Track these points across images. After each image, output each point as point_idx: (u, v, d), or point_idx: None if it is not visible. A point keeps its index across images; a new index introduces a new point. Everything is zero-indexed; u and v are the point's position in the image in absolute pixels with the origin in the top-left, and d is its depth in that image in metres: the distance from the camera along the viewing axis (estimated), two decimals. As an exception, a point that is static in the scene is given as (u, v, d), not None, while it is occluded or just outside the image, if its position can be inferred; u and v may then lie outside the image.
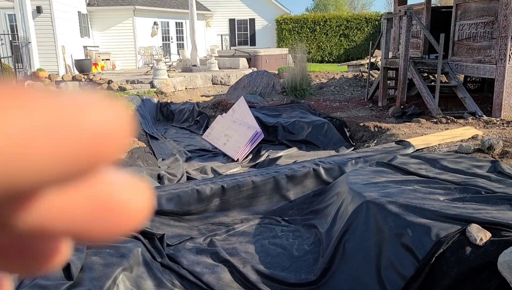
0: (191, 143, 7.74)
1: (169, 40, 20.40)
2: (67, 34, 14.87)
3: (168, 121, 9.97)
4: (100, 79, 12.78)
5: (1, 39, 12.03)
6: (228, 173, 5.52)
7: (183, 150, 6.91)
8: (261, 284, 3.05)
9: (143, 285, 2.77)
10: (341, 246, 3.17)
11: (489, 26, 6.91)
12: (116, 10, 18.00)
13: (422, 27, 7.90)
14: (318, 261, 3.30)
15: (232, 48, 22.29)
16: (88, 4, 17.84)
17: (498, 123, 6.12)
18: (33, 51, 13.18)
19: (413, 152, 4.93)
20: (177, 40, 20.88)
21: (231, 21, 24.00)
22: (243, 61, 16.89)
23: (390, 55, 9.48)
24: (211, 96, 12.75)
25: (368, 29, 22.81)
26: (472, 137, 5.29)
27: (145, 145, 6.45)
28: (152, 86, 12.44)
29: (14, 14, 13.07)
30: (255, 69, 15.78)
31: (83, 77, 12.97)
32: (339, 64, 18.85)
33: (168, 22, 20.20)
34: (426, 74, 9.89)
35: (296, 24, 23.29)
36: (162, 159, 6.32)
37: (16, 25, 13.20)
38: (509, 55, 6.42)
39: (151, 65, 15.66)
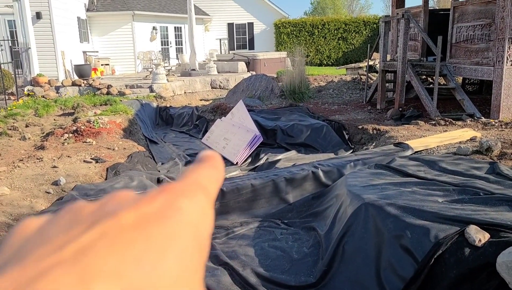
0: (190, 147, 7.75)
1: (168, 45, 20.45)
2: (66, 40, 14.91)
3: (167, 125, 9.98)
4: (99, 84, 12.79)
5: (1, 45, 12.06)
6: (227, 177, 5.53)
7: (183, 154, 6.91)
8: (261, 287, 3.05)
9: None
10: (340, 248, 3.18)
11: (487, 28, 6.94)
12: (115, 15, 18.06)
13: (419, 29, 7.93)
14: (318, 264, 3.30)
15: (230, 52, 22.35)
16: (88, 10, 17.89)
17: (497, 124, 6.13)
18: (32, 57, 13.21)
19: (411, 154, 4.94)
20: (176, 45, 20.93)
21: (230, 25, 24.06)
22: (241, 65, 16.92)
23: (388, 57, 9.51)
24: (210, 100, 12.77)
25: (366, 32, 22.88)
26: (471, 139, 5.30)
27: (144, 150, 6.45)
28: (151, 90, 12.46)
29: (14, 20, 13.11)
30: (253, 73, 15.83)
31: (83, 82, 12.99)
32: (338, 67, 18.90)
33: (167, 27, 20.26)
34: (424, 77, 9.93)
35: (295, 28, 23.36)
36: (162, 163, 6.33)
37: (16, 31, 13.24)
38: (507, 57, 6.45)
39: (150, 69, 15.69)
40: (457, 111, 7.35)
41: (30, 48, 13.09)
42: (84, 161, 5.18)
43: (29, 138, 6.85)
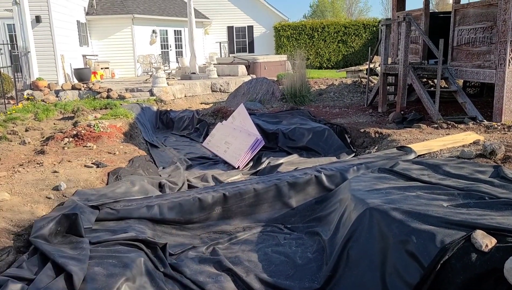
0: (191, 151, 7.72)
1: (168, 48, 20.45)
2: (66, 43, 14.90)
3: (168, 129, 9.96)
4: (99, 87, 12.78)
5: (0, 49, 12.04)
6: (229, 181, 5.50)
7: (184, 158, 6.88)
8: (265, 293, 3.02)
9: (146, 295, 2.74)
10: (345, 254, 3.14)
11: (488, 31, 6.93)
12: (114, 18, 18.07)
13: (421, 32, 7.92)
14: (322, 269, 3.27)
15: (231, 55, 22.36)
16: (87, 13, 17.90)
17: (499, 128, 6.11)
18: (32, 61, 13.20)
19: (414, 157, 4.92)
20: (176, 48, 20.94)
21: (230, 29, 24.08)
22: (242, 68, 16.92)
23: (389, 61, 9.50)
24: (211, 103, 12.76)
25: (366, 35, 22.89)
26: (474, 142, 5.28)
27: (145, 154, 6.42)
28: (152, 94, 12.45)
29: (13, 24, 13.11)
30: (254, 76, 15.83)
31: (83, 86, 12.97)
32: (338, 70, 18.90)
33: (166, 30, 20.27)
34: (425, 80, 9.91)
35: (294, 31, 23.37)
36: (163, 168, 6.30)
37: (15, 34, 13.23)
38: (509, 60, 6.43)
39: (150, 73, 15.68)
40: (459, 114, 7.33)
41: (29, 52, 13.08)
42: (85, 165, 5.15)
43: (29, 142, 6.82)
